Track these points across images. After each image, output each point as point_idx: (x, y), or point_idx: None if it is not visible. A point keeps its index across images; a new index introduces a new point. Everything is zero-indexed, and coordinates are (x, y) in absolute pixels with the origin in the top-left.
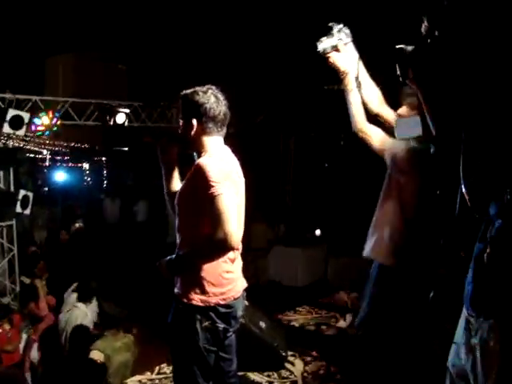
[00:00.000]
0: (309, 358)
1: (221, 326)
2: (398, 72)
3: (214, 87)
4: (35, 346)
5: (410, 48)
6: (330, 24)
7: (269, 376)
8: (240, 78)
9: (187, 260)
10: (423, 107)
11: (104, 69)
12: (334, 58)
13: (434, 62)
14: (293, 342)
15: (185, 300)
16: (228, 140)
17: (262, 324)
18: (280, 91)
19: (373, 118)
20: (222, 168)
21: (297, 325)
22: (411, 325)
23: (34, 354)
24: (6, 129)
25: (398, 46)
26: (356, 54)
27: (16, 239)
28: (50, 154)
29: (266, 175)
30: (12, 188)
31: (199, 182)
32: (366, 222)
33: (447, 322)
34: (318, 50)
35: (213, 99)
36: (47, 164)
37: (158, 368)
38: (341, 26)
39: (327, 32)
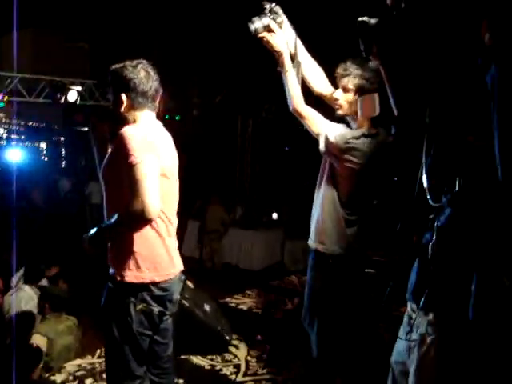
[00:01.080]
0: (254, 342)
1: (156, 309)
2: (361, 47)
3: (144, 61)
4: None
5: (373, 21)
6: (263, 3)
7: (212, 359)
8: (200, 58)
9: (107, 232)
10: (386, 85)
11: (64, 46)
12: (267, 38)
13: (399, 36)
14: (239, 325)
15: (118, 278)
16: (191, 122)
17: (207, 307)
18: (239, 72)
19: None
20: (145, 137)
21: (245, 308)
22: (347, 310)
23: None
24: None
25: (360, 19)
26: (293, 34)
27: None
28: (6, 133)
29: (223, 157)
30: None
31: (120, 151)
32: None
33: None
34: (250, 30)
35: (142, 74)
36: (3, 143)
37: (99, 351)
38: (273, 5)
39: (260, 12)
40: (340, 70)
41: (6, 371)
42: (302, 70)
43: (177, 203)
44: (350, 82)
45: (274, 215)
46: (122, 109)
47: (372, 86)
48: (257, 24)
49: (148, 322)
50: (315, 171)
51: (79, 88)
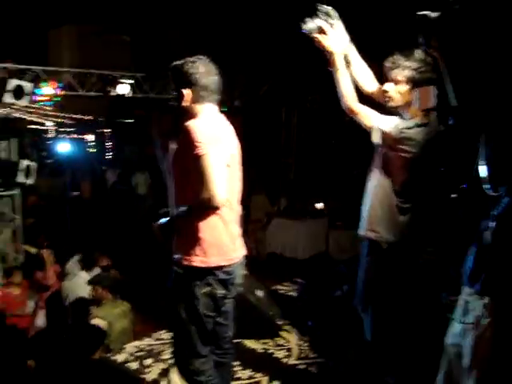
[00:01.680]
0: (305, 328)
1: (220, 292)
2: (420, 40)
3: (204, 57)
4: (42, 313)
5: (434, 15)
6: (316, 5)
7: (264, 343)
8: (243, 49)
9: (177, 221)
10: (444, 77)
11: (107, 40)
12: (319, 39)
13: (460, 30)
14: (289, 311)
15: (185, 263)
16: (233, 113)
17: (259, 293)
18: (283, 62)
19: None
20: (209, 129)
21: (294, 295)
22: (401, 296)
23: (41, 321)
24: (8, 99)
25: (421, 13)
26: (345, 35)
27: (21, 208)
28: (53, 126)
29: (268, 148)
30: (14, 158)
31: (186, 143)
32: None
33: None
34: (303, 30)
35: (203, 69)
36: (51, 135)
37: (156, 334)
38: (326, 6)
39: (313, 13)
40: (388, 63)
41: (70, 351)
42: (352, 69)
43: (239, 191)
44: (400, 73)
45: (319, 205)
46: (185, 103)
47: (421, 75)
48: (310, 25)
49: (212, 305)
50: (362, 161)
51: (130, 81)
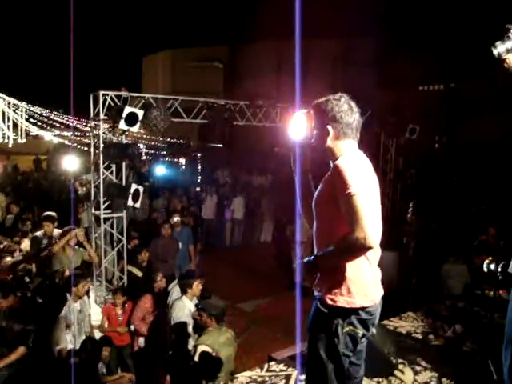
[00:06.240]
0: (418, 368)
1: (360, 331)
2: None
3: (345, 95)
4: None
5: None
6: (507, 26)
7: (378, 382)
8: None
9: (325, 260)
10: None
11: (200, 66)
12: (510, 60)
13: None
14: (401, 349)
15: (330, 302)
16: None
17: (373, 329)
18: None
19: None
20: (359, 169)
21: (403, 332)
22: None
23: (142, 340)
24: (122, 125)
25: None
26: None
27: (125, 230)
28: (146, 149)
29: None
30: (124, 182)
31: (337, 183)
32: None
33: None
34: (493, 54)
35: (346, 107)
36: (144, 158)
37: (266, 365)
38: None
39: (503, 35)
40: None
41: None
42: None
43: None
44: None
45: None
46: (328, 140)
47: None
48: (500, 48)
49: (351, 344)
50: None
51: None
